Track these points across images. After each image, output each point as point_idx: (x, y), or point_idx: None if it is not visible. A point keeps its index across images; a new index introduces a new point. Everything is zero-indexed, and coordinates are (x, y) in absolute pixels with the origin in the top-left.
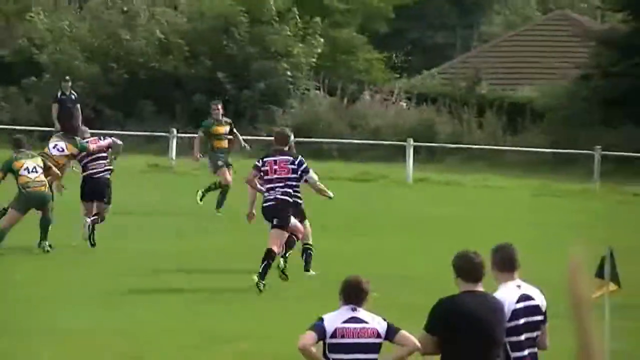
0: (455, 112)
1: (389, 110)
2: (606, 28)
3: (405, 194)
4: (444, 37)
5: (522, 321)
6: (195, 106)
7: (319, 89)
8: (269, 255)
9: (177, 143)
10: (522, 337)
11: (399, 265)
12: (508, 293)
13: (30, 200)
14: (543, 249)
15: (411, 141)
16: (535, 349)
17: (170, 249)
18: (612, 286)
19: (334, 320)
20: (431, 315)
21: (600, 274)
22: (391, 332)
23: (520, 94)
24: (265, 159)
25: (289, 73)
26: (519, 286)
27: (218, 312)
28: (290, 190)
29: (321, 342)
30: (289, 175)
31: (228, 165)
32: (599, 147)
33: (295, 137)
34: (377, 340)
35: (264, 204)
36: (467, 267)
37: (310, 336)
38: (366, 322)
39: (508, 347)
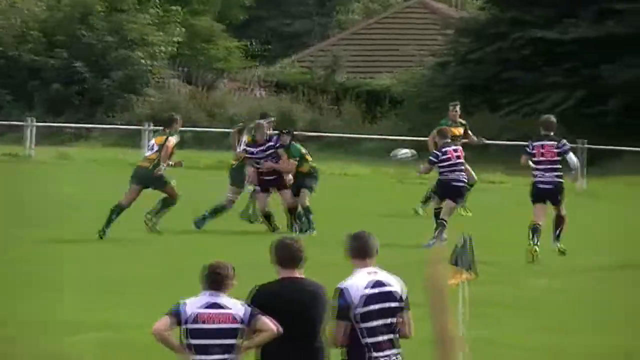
0: (314, 100)
1: (248, 99)
2: (464, 16)
3: None
4: (302, 25)
5: (376, 307)
6: (53, 95)
7: (178, 78)
8: None
9: (35, 132)
10: (377, 323)
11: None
12: (358, 279)
13: None
14: (401, 237)
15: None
16: (393, 336)
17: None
18: (469, 274)
19: (193, 305)
20: (249, 302)
21: (455, 261)
22: (250, 318)
23: (378, 81)
24: None
25: (147, 62)
26: (372, 273)
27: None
28: None
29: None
30: None
31: None
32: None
33: (153, 125)
34: (237, 326)
35: None
36: (285, 254)
37: (164, 321)
38: (226, 308)
39: (361, 333)
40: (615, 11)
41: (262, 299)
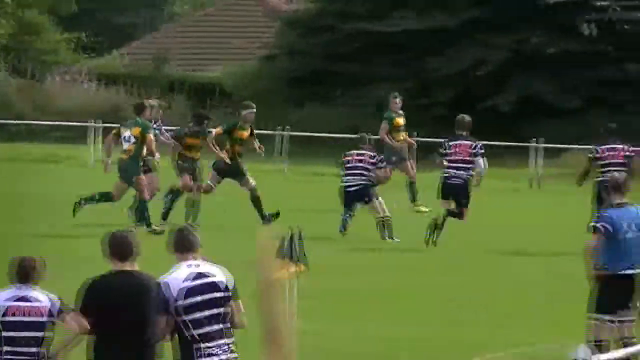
0: (144, 93)
1: (77, 92)
2: (293, 9)
3: (86, 176)
4: (133, 17)
5: (199, 298)
6: None
7: (6, 70)
8: None
9: None
10: (202, 314)
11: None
12: (178, 273)
13: None
14: (235, 230)
15: (100, 122)
16: (223, 325)
17: None
18: (299, 266)
19: (1, 298)
20: (83, 296)
21: (284, 254)
22: (59, 313)
23: (208, 74)
24: None
25: None
26: (193, 265)
27: None
28: None
29: None
30: None
31: None
32: (288, 127)
33: None
34: (45, 319)
35: None
36: (117, 247)
37: None
38: (35, 301)
39: (185, 325)
40: (443, 2)
41: (95, 292)
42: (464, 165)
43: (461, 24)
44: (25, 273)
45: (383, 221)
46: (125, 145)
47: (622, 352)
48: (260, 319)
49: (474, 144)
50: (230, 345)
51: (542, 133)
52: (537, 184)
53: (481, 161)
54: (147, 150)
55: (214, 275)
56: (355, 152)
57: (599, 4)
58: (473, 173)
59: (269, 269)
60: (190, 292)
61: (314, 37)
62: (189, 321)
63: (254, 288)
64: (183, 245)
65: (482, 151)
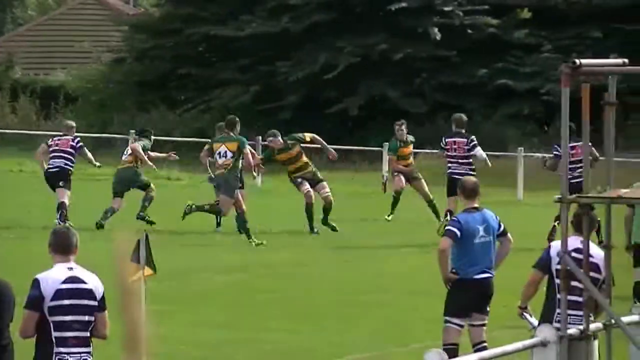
0: None
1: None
2: (139, 12)
3: None
4: None
5: (67, 302)
6: None
7: None
8: None
9: None
10: (67, 318)
11: None
12: (55, 272)
13: None
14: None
15: None
16: (84, 333)
17: None
18: (148, 270)
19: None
20: None
21: (136, 258)
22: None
23: (53, 78)
24: None
25: None
26: (70, 268)
27: None
28: None
29: None
30: None
31: None
32: (132, 131)
33: None
34: None
35: None
36: None
37: None
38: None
39: (50, 326)
40: (290, 7)
41: None
42: (464, 161)
43: (307, 28)
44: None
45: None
46: (221, 160)
47: (473, 356)
48: (122, 323)
49: (468, 140)
50: (88, 356)
51: (389, 137)
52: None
53: (480, 152)
54: (246, 163)
55: (87, 282)
56: None
57: (443, 8)
58: (473, 167)
59: (127, 272)
60: (60, 293)
61: (160, 40)
62: (53, 322)
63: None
64: (64, 246)
65: (475, 142)
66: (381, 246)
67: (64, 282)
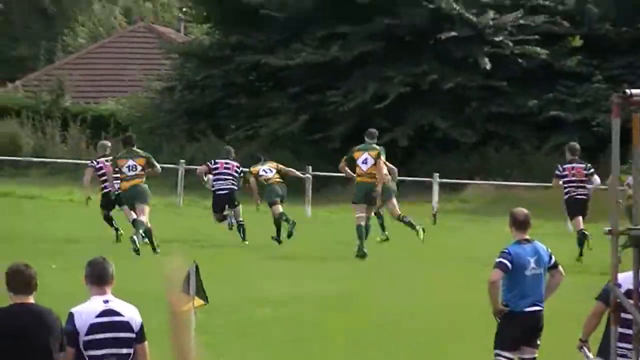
0: (39, 125)
1: None
2: (189, 40)
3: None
4: (28, 49)
5: (102, 336)
6: None
7: None
8: None
9: None
10: (104, 352)
11: None
12: (90, 306)
13: None
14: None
15: None
16: None
17: None
18: (198, 301)
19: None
20: None
21: (186, 289)
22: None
23: (104, 106)
24: None
25: None
26: (106, 301)
27: None
28: None
29: None
30: None
31: None
32: (182, 161)
33: None
34: None
35: None
36: (16, 280)
37: None
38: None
39: None
40: (339, 35)
41: None
42: (582, 185)
43: (356, 57)
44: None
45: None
46: (270, 174)
47: None
48: (172, 353)
49: (586, 165)
50: None
51: (439, 167)
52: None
53: (597, 179)
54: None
55: (123, 315)
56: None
57: (493, 38)
58: (590, 189)
59: (177, 302)
60: (94, 328)
61: (210, 69)
62: (90, 357)
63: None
64: (100, 277)
65: (593, 169)
66: (430, 276)
67: (99, 315)
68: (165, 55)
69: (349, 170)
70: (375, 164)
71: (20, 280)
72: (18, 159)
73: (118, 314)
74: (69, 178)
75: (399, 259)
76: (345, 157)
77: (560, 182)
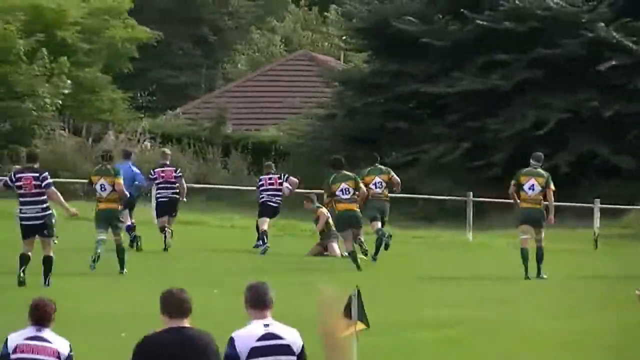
0: (200, 152)
1: (134, 150)
2: (348, 68)
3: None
4: (188, 77)
5: (264, 359)
6: None
7: (64, 129)
8: None
9: None
10: None
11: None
12: (250, 330)
13: None
14: (297, 288)
15: None
16: None
17: None
18: (360, 325)
19: (15, 337)
20: (134, 354)
21: (348, 313)
22: (69, 359)
23: (265, 133)
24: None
25: (34, 113)
26: (267, 325)
27: None
28: None
29: None
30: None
31: None
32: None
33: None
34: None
35: None
36: (171, 304)
37: None
38: (48, 342)
39: None
40: (499, 63)
41: (147, 349)
42: None
43: (516, 85)
44: (41, 315)
45: None
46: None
47: None
48: None
49: None
50: None
51: (599, 193)
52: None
53: None
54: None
55: (284, 338)
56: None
57: None
58: None
59: (334, 327)
60: (255, 351)
61: (370, 96)
62: None
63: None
64: (259, 302)
65: None
66: (595, 297)
67: (259, 339)
68: (325, 83)
69: (517, 197)
70: (541, 191)
71: (175, 303)
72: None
73: (279, 337)
74: (228, 204)
75: (559, 281)
76: (513, 181)
77: None
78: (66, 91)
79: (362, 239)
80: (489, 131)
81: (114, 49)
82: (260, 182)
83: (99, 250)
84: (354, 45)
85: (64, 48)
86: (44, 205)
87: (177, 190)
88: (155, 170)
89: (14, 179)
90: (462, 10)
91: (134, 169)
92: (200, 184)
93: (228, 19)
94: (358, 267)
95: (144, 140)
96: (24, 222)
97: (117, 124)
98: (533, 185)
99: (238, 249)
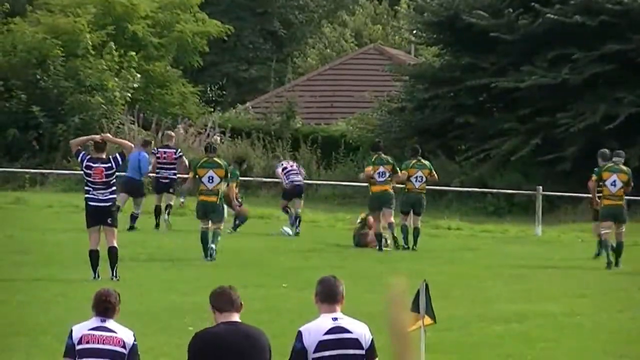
0: (270, 146)
1: (203, 144)
2: (419, 62)
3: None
4: (258, 71)
5: (331, 353)
6: (10, 140)
7: (134, 123)
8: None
9: None
10: None
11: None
12: (318, 323)
13: None
14: (363, 282)
15: None
16: None
17: None
18: (427, 320)
19: (80, 328)
20: (189, 350)
21: (415, 308)
22: (131, 351)
23: (334, 127)
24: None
25: (103, 107)
26: (335, 319)
27: None
28: None
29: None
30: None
31: None
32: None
33: None
34: (121, 350)
35: None
36: (222, 299)
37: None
38: (113, 332)
39: None
40: (569, 58)
41: (201, 344)
42: None
43: (587, 79)
44: (106, 306)
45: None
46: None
47: None
48: None
49: None
50: None
51: None
52: None
53: None
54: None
55: (352, 332)
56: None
57: None
58: None
59: (402, 322)
60: (324, 345)
61: (441, 90)
62: None
63: (384, 342)
64: (329, 296)
65: None
66: None
67: (327, 332)
68: (395, 77)
69: (596, 194)
70: (622, 187)
71: (225, 298)
72: (249, 179)
73: (347, 331)
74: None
75: (630, 275)
76: (594, 176)
77: None
78: (136, 85)
79: (395, 232)
80: (558, 125)
81: (184, 43)
82: (284, 167)
83: (212, 245)
84: (424, 39)
85: (134, 42)
86: (112, 189)
87: (176, 171)
88: (159, 149)
89: (84, 164)
90: (532, 4)
91: (144, 155)
92: (269, 178)
93: (298, 13)
94: (380, 248)
95: (214, 135)
96: (90, 203)
97: (187, 118)
98: (615, 181)
99: (307, 241)
